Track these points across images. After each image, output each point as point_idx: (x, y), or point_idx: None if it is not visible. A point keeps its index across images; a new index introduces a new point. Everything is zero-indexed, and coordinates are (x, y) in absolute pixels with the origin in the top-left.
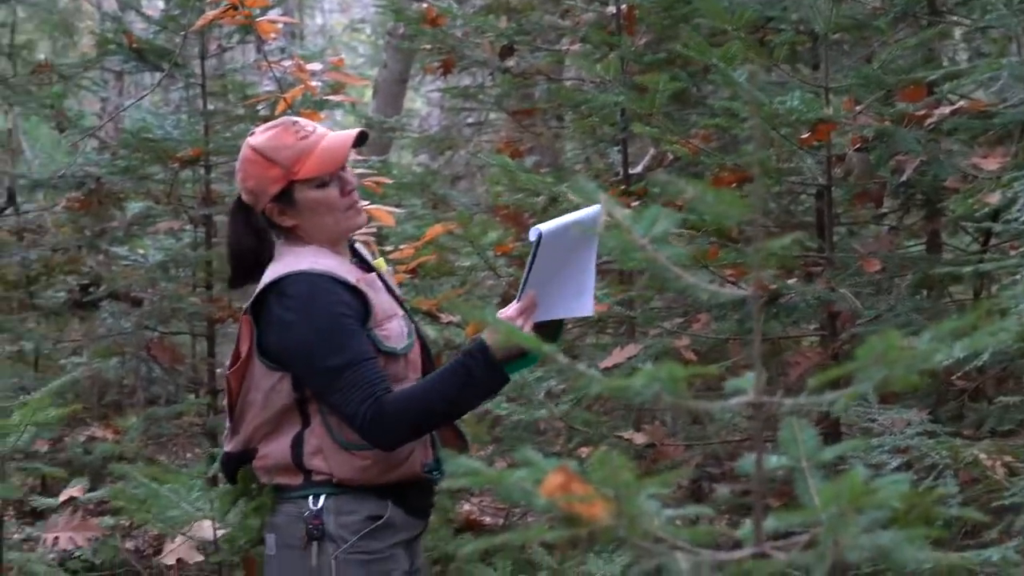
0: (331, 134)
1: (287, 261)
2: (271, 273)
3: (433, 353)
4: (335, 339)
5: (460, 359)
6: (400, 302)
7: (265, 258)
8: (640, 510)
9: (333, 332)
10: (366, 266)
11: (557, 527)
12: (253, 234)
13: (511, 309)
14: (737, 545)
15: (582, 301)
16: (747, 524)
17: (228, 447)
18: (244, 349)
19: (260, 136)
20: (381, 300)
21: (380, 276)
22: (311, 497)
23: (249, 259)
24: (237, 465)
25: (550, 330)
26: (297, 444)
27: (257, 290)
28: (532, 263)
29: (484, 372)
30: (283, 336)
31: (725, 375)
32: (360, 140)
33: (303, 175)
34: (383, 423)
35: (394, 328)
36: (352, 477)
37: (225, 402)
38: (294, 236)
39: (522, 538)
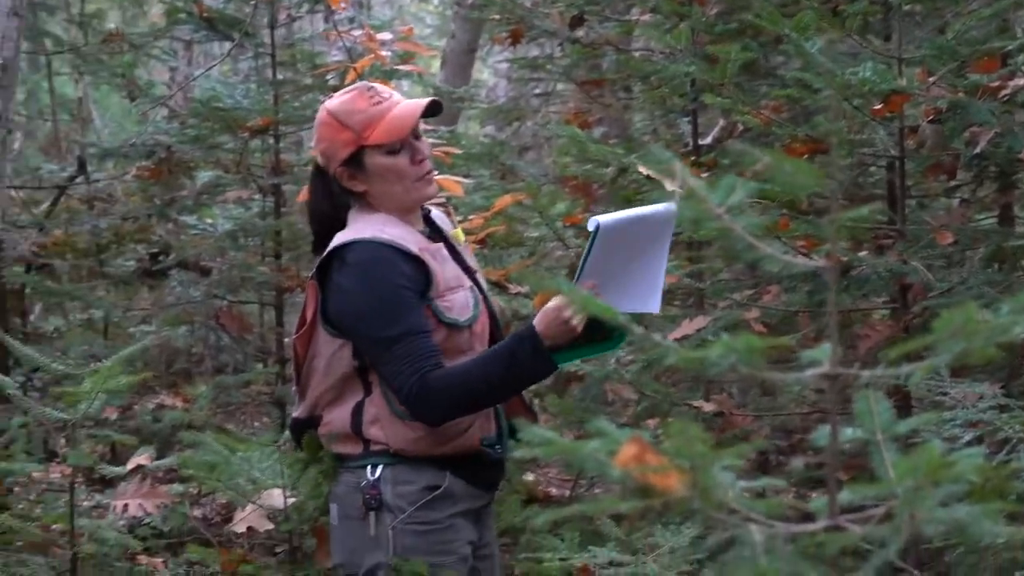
0: (404, 102)
1: (354, 228)
2: (337, 239)
3: (502, 324)
4: (390, 310)
5: (508, 342)
6: (471, 273)
7: (341, 224)
8: (714, 481)
9: (388, 303)
10: (437, 236)
11: (630, 498)
12: (329, 199)
13: (563, 298)
14: (808, 518)
15: (649, 298)
16: (818, 497)
17: (296, 413)
18: (309, 314)
19: (336, 100)
20: (445, 270)
21: (450, 246)
22: (369, 467)
23: (326, 224)
24: (304, 431)
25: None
26: (357, 412)
27: (326, 254)
28: (588, 254)
29: (531, 358)
30: (340, 303)
31: (794, 347)
32: (432, 109)
33: (373, 140)
34: (427, 399)
35: (458, 299)
36: (406, 447)
37: (292, 368)
38: (365, 202)
39: (594, 509)
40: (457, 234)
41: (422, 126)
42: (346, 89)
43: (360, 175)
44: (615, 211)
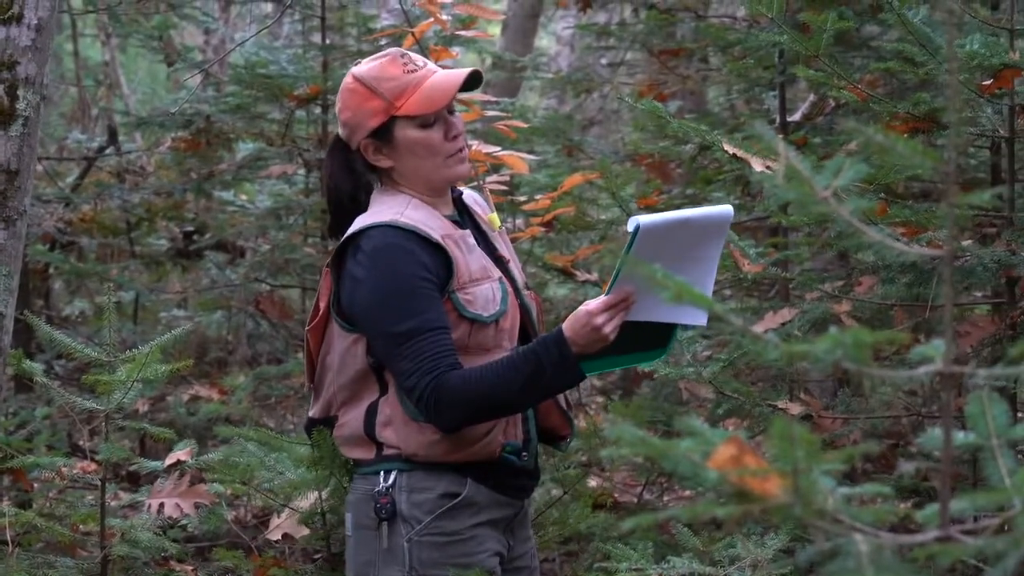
0: (441, 71)
1: (374, 211)
2: (355, 225)
3: (565, 315)
4: (404, 303)
5: (533, 347)
6: (503, 264)
7: (363, 205)
8: (816, 487)
9: (402, 295)
10: (466, 221)
11: (726, 503)
12: (350, 176)
13: (596, 302)
14: (912, 529)
15: (695, 310)
16: (907, 507)
17: (311, 412)
18: (322, 305)
19: (365, 66)
20: (469, 260)
21: (481, 232)
22: (381, 473)
23: (344, 205)
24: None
25: (655, 335)
26: (371, 413)
27: (344, 240)
28: (626, 256)
29: (556, 366)
30: (352, 294)
31: (899, 344)
32: (473, 81)
33: (405, 111)
34: (441, 402)
35: (481, 292)
36: (417, 452)
37: (304, 363)
38: (390, 180)
39: (687, 514)
40: (492, 219)
41: (476, 97)
42: (376, 55)
43: (387, 149)
44: (662, 212)
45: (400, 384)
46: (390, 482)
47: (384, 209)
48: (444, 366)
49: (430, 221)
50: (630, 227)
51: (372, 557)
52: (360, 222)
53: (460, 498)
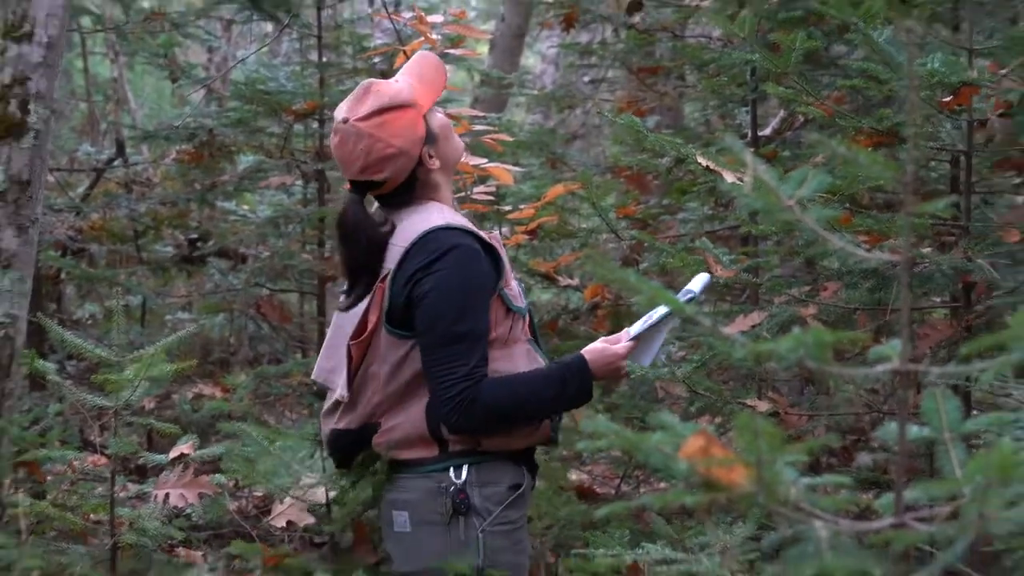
0: (410, 63)
1: (416, 219)
2: (411, 232)
3: (547, 319)
4: (468, 303)
5: (560, 368)
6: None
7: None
8: (779, 477)
9: (469, 295)
10: None
11: (695, 492)
12: (370, 219)
13: (623, 347)
14: (870, 517)
15: (646, 355)
16: (870, 497)
17: (342, 424)
18: (373, 319)
19: (367, 102)
20: (507, 259)
21: None
22: (451, 469)
23: (373, 254)
24: (353, 443)
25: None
26: (433, 413)
27: (405, 249)
28: (689, 303)
29: (577, 389)
30: (427, 290)
31: (861, 344)
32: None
33: (427, 103)
34: (475, 406)
35: (515, 288)
36: (493, 443)
37: (344, 375)
38: (424, 190)
39: (659, 502)
40: None
41: (465, 112)
42: (358, 95)
43: (433, 148)
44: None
45: (436, 379)
46: (463, 478)
47: (424, 217)
48: (482, 373)
49: (469, 225)
50: (699, 283)
51: (442, 549)
52: (414, 229)
53: (522, 488)
